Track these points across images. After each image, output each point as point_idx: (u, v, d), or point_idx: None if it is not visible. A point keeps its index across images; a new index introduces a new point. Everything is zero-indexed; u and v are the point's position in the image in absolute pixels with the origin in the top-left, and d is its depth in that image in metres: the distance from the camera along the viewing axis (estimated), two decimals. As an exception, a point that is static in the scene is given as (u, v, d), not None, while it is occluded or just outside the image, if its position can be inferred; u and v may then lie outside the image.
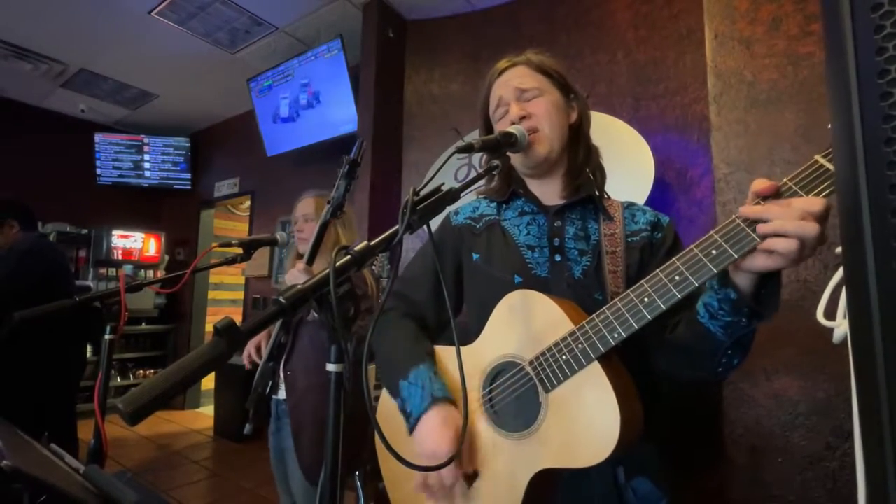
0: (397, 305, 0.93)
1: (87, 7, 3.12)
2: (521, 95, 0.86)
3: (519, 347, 0.74)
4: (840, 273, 0.69)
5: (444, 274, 0.90)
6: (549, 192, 0.89)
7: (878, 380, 0.27)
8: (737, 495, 1.44)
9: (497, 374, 0.76)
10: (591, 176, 0.89)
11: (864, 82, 0.26)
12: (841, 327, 0.68)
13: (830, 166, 0.55)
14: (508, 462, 0.71)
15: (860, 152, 0.27)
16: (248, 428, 1.33)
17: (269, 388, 1.38)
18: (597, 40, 2.55)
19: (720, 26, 1.59)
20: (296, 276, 1.22)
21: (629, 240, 0.83)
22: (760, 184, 0.57)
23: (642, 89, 2.37)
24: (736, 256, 0.57)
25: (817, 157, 0.57)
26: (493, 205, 0.93)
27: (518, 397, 0.73)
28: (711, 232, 0.60)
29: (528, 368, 0.72)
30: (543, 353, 0.71)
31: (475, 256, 0.88)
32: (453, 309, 0.88)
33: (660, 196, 2.17)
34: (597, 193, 0.87)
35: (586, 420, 0.65)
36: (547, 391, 0.70)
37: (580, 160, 0.89)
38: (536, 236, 0.84)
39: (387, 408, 0.89)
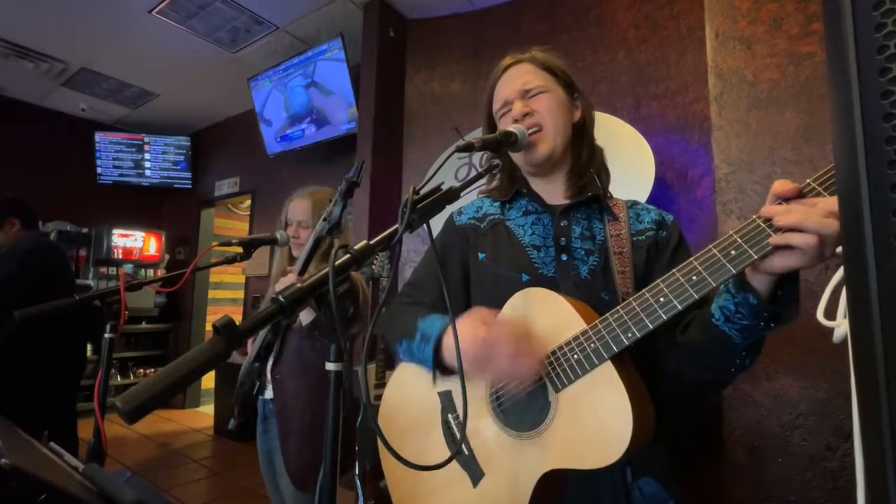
0: (405, 300, 0.94)
1: (87, 6, 3.12)
2: (525, 95, 0.86)
3: None
4: (840, 273, 0.69)
5: (450, 276, 0.91)
6: (553, 191, 0.89)
7: (879, 379, 0.27)
8: (737, 495, 1.44)
9: None
10: (595, 175, 0.89)
11: (865, 80, 0.26)
12: (841, 327, 0.68)
13: None
14: (515, 462, 0.71)
15: (861, 151, 0.27)
16: (232, 423, 1.33)
17: (255, 388, 1.37)
18: (597, 40, 2.54)
19: (721, 26, 1.59)
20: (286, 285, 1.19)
21: (635, 239, 0.83)
22: (782, 185, 0.56)
23: (643, 89, 2.37)
24: (756, 257, 0.57)
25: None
26: (497, 204, 0.93)
27: (527, 396, 0.72)
28: (731, 232, 0.60)
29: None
30: (554, 352, 0.70)
31: (481, 256, 0.88)
32: (455, 311, 0.89)
33: (660, 196, 2.16)
34: (601, 190, 0.87)
35: (597, 421, 0.64)
36: (557, 390, 0.69)
37: (584, 159, 0.88)
38: (541, 236, 0.84)
39: (388, 407, 0.89)
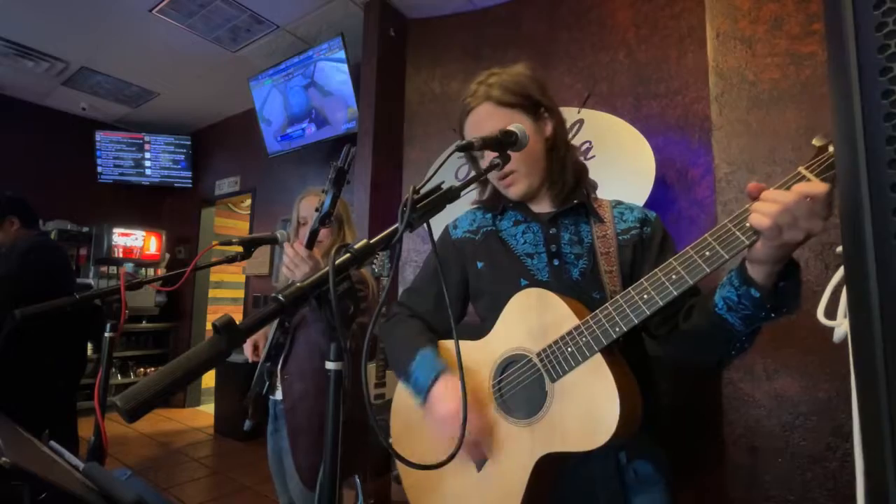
0: (403, 311, 0.98)
1: (88, 5, 3.12)
2: None
3: (527, 340, 0.79)
4: (840, 273, 0.69)
5: (448, 286, 0.92)
6: (539, 202, 0.93)
7: (879, 379, 0.27)
8: (737, 495, 1.44)
9: (507, 365, 0.81)
10: (580, 180, 0.91)
11: (866, 80, 0.26)
12: (841, 326, 0.68)
13: (812, 177, 0.58)
14: (515, 447, 0.77)
15: (861, 150, 0.27)
16: (247, 424, 1.34)
17: (265, 388, 1.38)
18: (598, 39, 2.54)
19: (722, 25, 1.59)
20: (295, 262, 1.15)
21: (620, 238, 0.87)
22: (754, 185, 0.62)
23: (643, 89, 2.36)
24: (727, 257, 0.63)
25: (801, 168, 0.60)
26: (489, 215, 0.97)
27: (526, 387, 0.78)
28: (706, 235, 0.66)
29: (536, 360, 0.77)
30: (550, 346, 0.76)
31: (479, 265, 0.93)
32: (455, 316, 0.94)
33: (661, 196, 2.16)
34: (585, 192, 0.90)
35: (588, 407, 0.71)
36: (553, 380, 0.75)
37: (559, 168, 0.90)
38: (533, 244, 0.89)
39: (401, 402, 0.93)
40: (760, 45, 1.52)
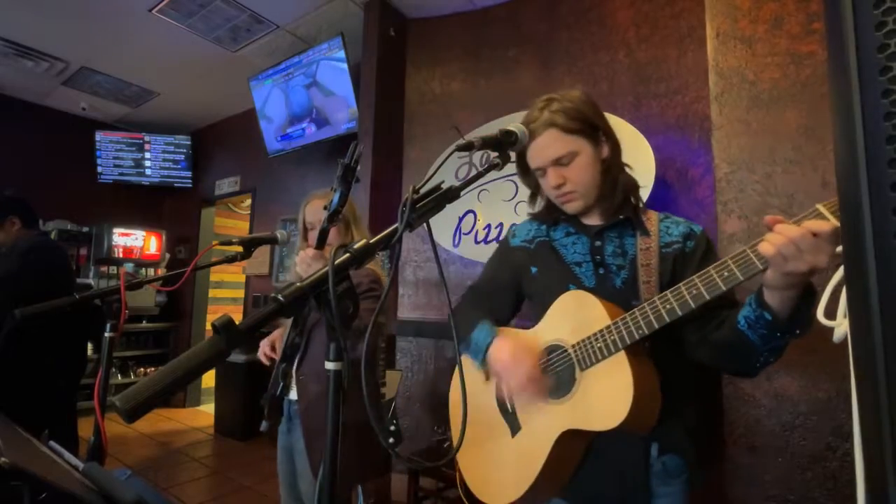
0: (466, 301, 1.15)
1: (88, 5, 3.12)
2: (556, 163, 0.94)
3: (566, 333, 0.92)
4: (840, 272, 0.69)
5: (503, 287, 1.10)
6: (590, 216, 1.02)
7: (879, 378, 0.27)
8: (736, 495, 1.44)
9: (549, 352, 0.95)
10: (628, 196, 0.98)
11: (866, 79, 0.26)
12: (841, 326, 0.68)
13: (828, 214, 0.62)
14: (544, 420, 0.92)
15: (861, 150, 0.27)
16: (263, 425, 1.37)
17: (280, 388, 1.38)
18: (598, 39, 2.54)
19: (722, 25, 1.59)
20: (307, 261, 1.23)
21: (663, 251, 0.94)
22: (771, 217, 0.68)
23: (643, 88, 2.36)
24: (742, 278, 0.71)
25: (818, 205, 0.64)
26: (543, 227, 1.07)
27: (560, 372, 0.92)
28: (726, 258, 0.73)
29: (570, 351, 0.90)
30: (583, 340, 0.88)
31: (533, 270, 1.04)
32: (506, 314, 1.11)
33: (661, 195, 2.16)
34: (634, 203, 0.98)
35: (607, 394, 0.83)
36: (582, 369, 0.88)
37: (611, 187, 0.97)
38: (581, 253, 0.99)
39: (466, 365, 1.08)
40: (760, 44, 1.52)
